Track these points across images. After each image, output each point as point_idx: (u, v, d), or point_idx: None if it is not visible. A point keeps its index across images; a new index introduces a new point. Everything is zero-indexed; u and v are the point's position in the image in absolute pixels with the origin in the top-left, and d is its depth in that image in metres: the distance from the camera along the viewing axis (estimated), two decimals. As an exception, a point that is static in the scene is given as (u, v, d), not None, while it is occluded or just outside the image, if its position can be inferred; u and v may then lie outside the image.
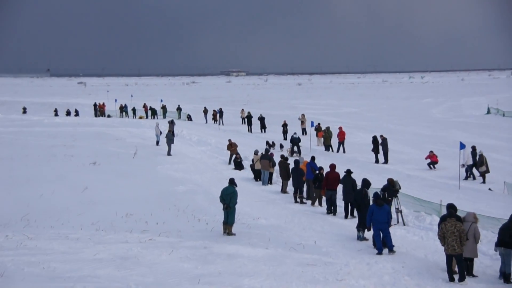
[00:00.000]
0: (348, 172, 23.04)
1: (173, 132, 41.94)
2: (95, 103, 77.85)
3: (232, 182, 20.16)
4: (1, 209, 22.62)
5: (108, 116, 72.90)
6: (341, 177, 23.51)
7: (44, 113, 75.55)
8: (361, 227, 19.56)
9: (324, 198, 24.94)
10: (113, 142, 43.92)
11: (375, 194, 18.45)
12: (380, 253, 17.69)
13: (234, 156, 35.30)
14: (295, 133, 41.07)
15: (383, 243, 17.89)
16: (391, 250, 17.79)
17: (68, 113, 73.11)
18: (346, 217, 22.94)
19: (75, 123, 59.47)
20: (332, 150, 40.64)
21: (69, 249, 16.73)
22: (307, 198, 26.25)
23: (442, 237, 15.55)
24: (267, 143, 40.23)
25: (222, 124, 59.97)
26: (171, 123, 46.33)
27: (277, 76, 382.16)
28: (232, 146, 36.13)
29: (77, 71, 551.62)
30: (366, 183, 20.53)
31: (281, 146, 41.92)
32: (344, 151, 39.88)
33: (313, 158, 27.46)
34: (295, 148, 39.83)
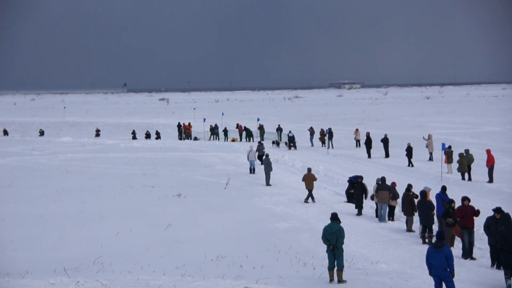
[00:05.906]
0: (498, 210, 22.04)
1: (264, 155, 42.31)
2: (179, 123, 79.34)
3: (335, 217, 20.06)
4: (71, 250, 23.46)
5: (195, 138, 74.23)
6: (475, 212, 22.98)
7: (120, 136, 78.02)
8: (508, 274, 19.02)
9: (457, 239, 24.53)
10: (201, 169, 44.79)
11: (438, 233, 18.08)
12: None
13: (310, 194, 33.49)
14: (290, 132, 61.14)
15: None
16: None
17: (147, 136, 75.05)
18: (493, 265, 22.21)
19: (156, 147, 61.14)
20: (470, 179, 39.69)
21: (150, 298, 17.10)
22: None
23: None
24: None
25: (332, 147, 59.87)
26: (260, 145, 47.05)
27: (399, 88, 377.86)
28: (310, 178, 33.82)
29: (158, 86, 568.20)
30: (508, 219, 19.94)
31: (273, 143, 62.03)
32: (491, 180, 38.65)
33: (443, 188, 26.97)
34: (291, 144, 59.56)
